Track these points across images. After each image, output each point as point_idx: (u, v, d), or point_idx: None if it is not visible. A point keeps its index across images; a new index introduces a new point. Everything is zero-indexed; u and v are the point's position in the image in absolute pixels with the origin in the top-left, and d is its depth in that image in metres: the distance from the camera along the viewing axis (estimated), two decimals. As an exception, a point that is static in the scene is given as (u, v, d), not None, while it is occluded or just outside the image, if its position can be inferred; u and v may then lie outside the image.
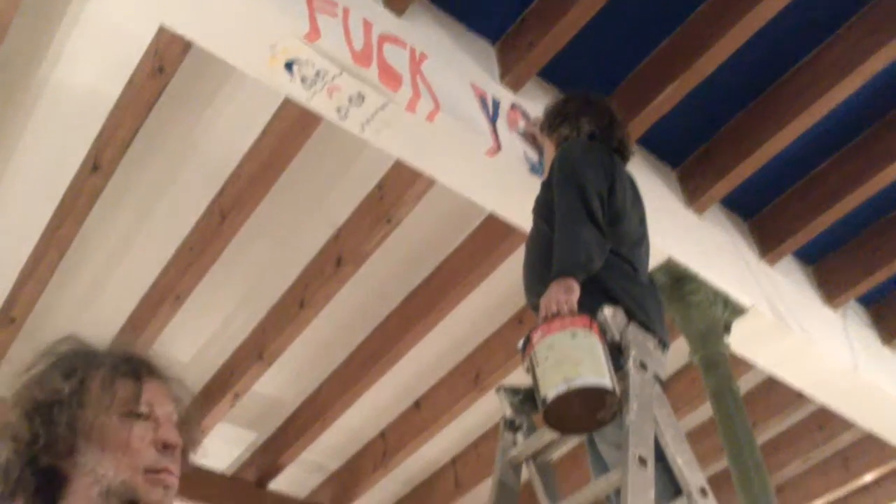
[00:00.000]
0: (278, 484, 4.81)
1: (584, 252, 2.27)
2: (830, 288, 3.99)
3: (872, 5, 3.07)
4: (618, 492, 2.14)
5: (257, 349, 3.98)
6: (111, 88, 3.02)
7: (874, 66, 3.05)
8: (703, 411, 4.29)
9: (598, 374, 2.12)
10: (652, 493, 2.00)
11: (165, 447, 1.23)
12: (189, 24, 2.44)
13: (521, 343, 2.30)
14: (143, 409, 1.24)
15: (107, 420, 1.22)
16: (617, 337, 2.30)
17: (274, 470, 4.69)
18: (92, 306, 3.94)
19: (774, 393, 4.45)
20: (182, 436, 1.28)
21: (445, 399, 4.31)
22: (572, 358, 2.14)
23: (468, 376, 4.18)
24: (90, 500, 1.20)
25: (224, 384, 4.19)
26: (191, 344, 4.14)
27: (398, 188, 3.29)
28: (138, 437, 1.22)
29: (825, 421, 4.69)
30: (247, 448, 4.81)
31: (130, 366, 1.28)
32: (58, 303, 3.88)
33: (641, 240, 2.56)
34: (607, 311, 2.32)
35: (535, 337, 2.19)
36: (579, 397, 2.11)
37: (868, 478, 5.14)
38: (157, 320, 3.76)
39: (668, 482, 2.18)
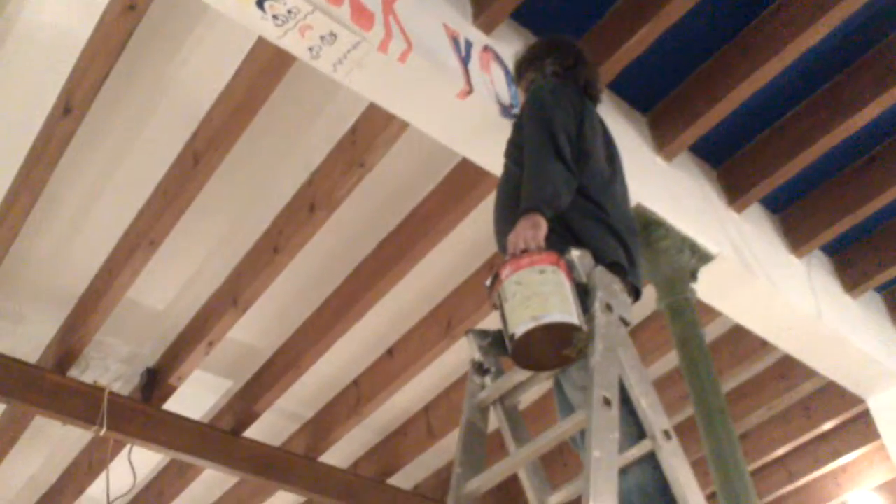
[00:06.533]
0: (253, 432, 4.84)
1: (551, 187, 2.29)
2: (796, 237, 4.06)
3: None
4: (583, 433, 2.17)
5: (232, 296, 4.00)
6: (81, 28, 2.99)
7: (843, 12, 3.08)
8: (670, 359, 4.37)
9: (565, 310, 2.14)
10: (616, 435, 2.01)
11: None
12: (160, -40, 2.43)
13: (489, 280, 2.33)
14: None
15: None
16: (584, 278, 2.32)
17: (249, 418, 4.73)
18: (65, 253, 3.93)
19: (739, 342, 4.54)
20: None
21: (418, 346, 4.36)
22: (540, 294, 2.16)
23: (441, 323, 4.22)
24: None
25: (199, 331, 4.21)
26: (165, 291, 4.15)
27: (371, 132, 3.30)
28: None
29: (788, 369, 4.80)
30: (222, 396, 4.84)
31: None
32: (30, 250, 3.86)
33: (612, 179, 2.56)
34: (575, 253, 2.35)
35: (503, 273, 2.22)
36: (547, 334, 2.14)
37: (828, 426, 5.27)
38: (131, 266, 3.75)
39: (633, 424, 2.20)
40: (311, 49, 2.61)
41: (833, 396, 4.94)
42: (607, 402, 2.06)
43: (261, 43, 3.03)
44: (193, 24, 3.13)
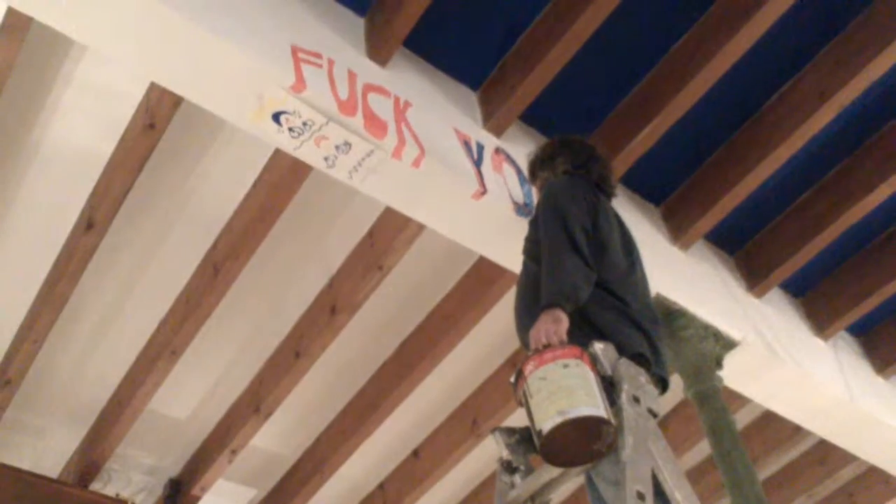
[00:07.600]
0: (280, 543, 4.76)
1: (570, 281, 2.29)
2: (819, 319, 4.00)
3: (841, 37, 3.15)
4: (619, 530, 2.12)
5: (254, 402, 3.98)
6: (104, 146, 3.08)
7: (848, 95, 3.12)
8: (701, 449, 4.29)
9: (592, 403, 2.12)
10: (652, 530, 1.98)
11: None
12: (178, 80, 2.51)
13: (513, 376, 2.31)
14: None
15: None
16: (609, 371, 2.30)
17: (275, 529, 4.65)
18: (87, 366, 3.96)
19: (771, 428, 4.45)
20: None
21: (444, 446, 4.30)
22: (565, 388, 2.14)
23: (465, 422, 4.17)
24: None
25: (222, 440, 4.18)
26: (187, 400, 4.15)
27: (388, 235, 3.34)
28: None
29: (825, 455, 4.67)
30: (247, 506, 4.77)
31: None
32: (54, 363, 3.89)
33: (631, 270, 2.56)
34: (598, 346, 2.33)
35: (527, 369, 2.20)
36: (575, 428, 2.11)
37: (877, 513, 5.09)
38: (154, 376, 3.77)
39: (669, 519, 2.17)
40: (326, 158, 2.67)
41: (877, 482, 4.79)
42: (641, 497, 2.02)
43: (277, 154, 3.11)
44: (212, 139, 3.22)
